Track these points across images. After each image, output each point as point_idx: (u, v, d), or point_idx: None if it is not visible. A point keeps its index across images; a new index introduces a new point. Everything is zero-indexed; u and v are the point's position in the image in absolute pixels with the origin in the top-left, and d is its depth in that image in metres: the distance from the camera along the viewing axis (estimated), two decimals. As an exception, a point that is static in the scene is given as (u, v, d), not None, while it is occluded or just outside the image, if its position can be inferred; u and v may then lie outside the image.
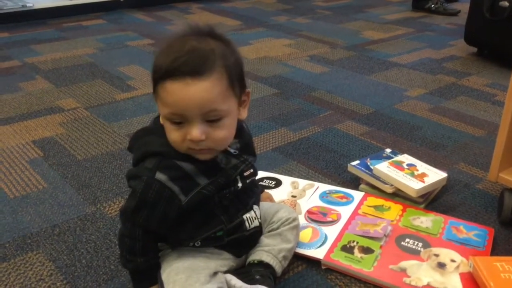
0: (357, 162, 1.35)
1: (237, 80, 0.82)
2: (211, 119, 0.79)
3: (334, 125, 1.69)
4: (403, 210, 1.20)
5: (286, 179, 1.34)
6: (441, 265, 1.02)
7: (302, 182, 1.33)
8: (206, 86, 0.77)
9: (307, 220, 1.17)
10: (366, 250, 1.06)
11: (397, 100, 1.90)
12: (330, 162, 1.45)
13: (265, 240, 1.00)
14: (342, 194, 1.27)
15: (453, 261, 1.03)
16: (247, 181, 0.94)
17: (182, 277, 0.86)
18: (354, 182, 1.34)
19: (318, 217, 1.18)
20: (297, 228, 1.04)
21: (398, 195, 1.25)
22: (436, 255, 1.05)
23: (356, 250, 1.06)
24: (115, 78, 2.13)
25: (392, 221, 1.16)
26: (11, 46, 2.59)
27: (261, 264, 0.96)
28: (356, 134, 1.63)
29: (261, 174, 1.33)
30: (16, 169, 1.42)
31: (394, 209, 1.20)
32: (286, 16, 3.30)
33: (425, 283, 0.97)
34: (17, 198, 1.28)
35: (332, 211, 1.20)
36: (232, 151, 0.90)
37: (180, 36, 0.81)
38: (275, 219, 1.02)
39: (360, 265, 1.02)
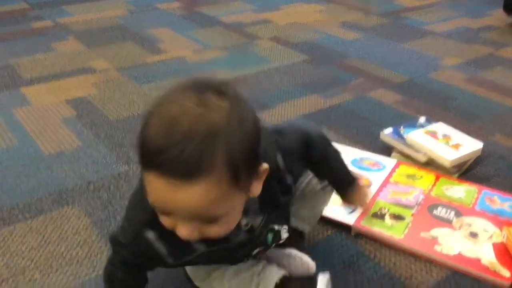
0: (390, 130, 1.33)
1: (246, 169, 0.59)
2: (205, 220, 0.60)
3: (366, 93, 1.67)
4: (436, 180, 1.18)
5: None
6: (474, 235, 1.01)
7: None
8: (198, 193, 0.55)
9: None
10: (397, 217, 1.06)
11: (432, 69, 1.85)
12: (361, 130, 1.44)
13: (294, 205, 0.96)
14: (374, 161, 1.26)
15: (485, 231, 1.02)
16: (253, 254, 0.80)
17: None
18: (385, 151, 1.32)
19: (349, 184, 1.17)
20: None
21: (431, 165, 1.23)
22: (469, 225, 1.04)
23: (387, 217, 1.06)
24: (146, 41, 2.12)
25: (424, 190, 1.15)
26: (42, 6, 2.60)
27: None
28: (389, 103, 1.60)
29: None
30: (51, 127, 1.44)
31: (427, 178, 1.19)
32: (318, -19, 3.21)
33: (456, 251, 0.97)
34: (52, 155, 1.31)
35: (364, 178, 1.19)
36: (243, 224, 0.71)
37: (179, 92, 0.59)
38: (304, 183, 0.95)
39: (391, 231, 1.02)
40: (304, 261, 0.89)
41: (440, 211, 1.08)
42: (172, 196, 0.55)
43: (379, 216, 1.06)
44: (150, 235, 0.68)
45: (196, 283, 0.86)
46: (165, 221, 0.61)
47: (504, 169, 1.25)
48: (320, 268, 0.90)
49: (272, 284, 0.81)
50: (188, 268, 0.87)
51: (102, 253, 0.98)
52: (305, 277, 0.87)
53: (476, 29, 2.31)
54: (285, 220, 0.79)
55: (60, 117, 1.50)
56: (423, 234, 1.01)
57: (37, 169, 1.25)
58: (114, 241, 0.74)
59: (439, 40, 2.16)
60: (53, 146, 1.35)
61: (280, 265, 0.87)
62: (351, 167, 1.22)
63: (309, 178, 0.93)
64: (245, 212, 0.66)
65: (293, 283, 0.83)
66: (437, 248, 0.98)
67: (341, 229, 1.04)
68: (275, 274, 0.83)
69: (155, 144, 0.54)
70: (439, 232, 1.02)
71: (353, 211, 1.07)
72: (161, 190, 0.56)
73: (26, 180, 1.21)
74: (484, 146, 1.29)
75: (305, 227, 0.96)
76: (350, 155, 1.29)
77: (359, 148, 1.34)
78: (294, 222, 0.95)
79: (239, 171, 0.57)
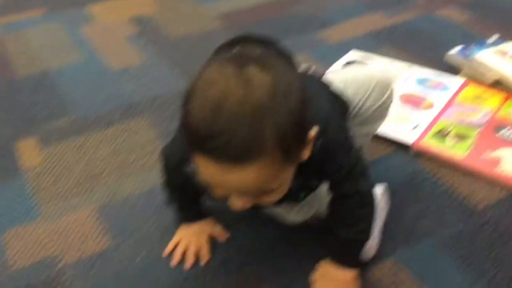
0: (458, 49, 1.27)
1: (296, 143, 0.57)
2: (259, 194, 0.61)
3: (434, 10, 1.58)
4: (505, 100, 1.14)
5: (380, 60, 1.30)
6: (541, 156, 0.98)
7: (398, 64, 1.28)
8: (251, 174, 0.54)
9: (399, 105, 1.14)
10: (461, 137, 1.04)
11: (508, -15, 1.71)
12: (427, 49, 1.38)
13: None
14: (440, 81, 1.22)
15: (555, 153, 0.99)
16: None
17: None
18: (452, 72, 1.27)
19: (413, 102, 1.15)
20: (387, 108, 0.90)
21: (500, 85, 1.18)
22: (537, 147, 1.01)
23: (449, 137, 1.04)
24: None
25: (492, 109, 1.11)
26: None
27: None
28: (458, 22, 1.51)
29: (353, 55, 1.31)
30: (116, 44, 1.49)
31: (495, 99, 1.15)
32: None
33: (520, 172, 0.95)
34: (118, 70, 1.36)
35: (428, 97, 1.17)
36: None
37: (219, 68, 0.55)
38: (363, 107, 0.87)
39: (452, 150, 1.01)
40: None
41: (506, 132, 1.05)
42: (225, 177, 0.55)
43: (441, 135, 1.05)
44: (190, 169, 0.69)
45: None
46: (217, 193, 0.61)
47: None
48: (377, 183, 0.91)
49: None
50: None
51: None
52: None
53: None
54: (318, 180, 0.76)
55: (125, 35, 1.53)
56: (486, 154, 1.00)
57: (105, 83, 1.31)
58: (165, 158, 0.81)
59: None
60: (119, 62, 1.40)
61: None
62: (415, 86, 1.20)
63: (366, 102, 0.86)
64: None
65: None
66: (499, 168, 0.96)
67: (401, 147, 1.04)
68: None
69: (203, 131, 0.53)
70: (503, 152, 1.00)
71: (413, 129, 1.06)
72: (212, 172, 0.56)
73: (96, 93, 1.27)
74: (560, 67, 1.21)
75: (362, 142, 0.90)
76: (416, 73, 1.25)
77: (425, 68, 1.29)
78: None
79: (290, 147, 0.55)
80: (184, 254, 0.85)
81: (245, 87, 0.52)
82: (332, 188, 0.74)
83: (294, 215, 0.84)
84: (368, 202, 0.74)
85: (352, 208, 0.73)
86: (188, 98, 0.55)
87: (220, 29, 1.53)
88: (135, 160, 1.06)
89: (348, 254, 0.78)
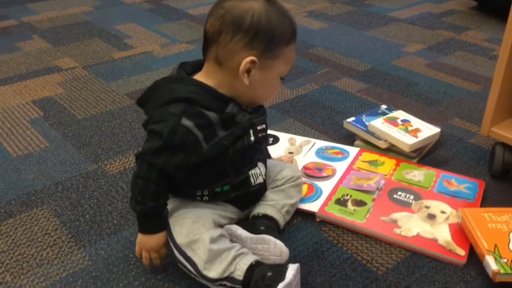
0: (353, 118, 1.37)
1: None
2: None
3: (331, 82, 1.70)
4: (397, 165, 1.23)
5: (283, 136, 1.37)
6: (431, 216, 1.06)
7: (299, 139, 1.35)
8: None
9: (303, 176, 1.20)
10: (359, 203, 1.10)
11: (395, 56, 1.90)
12: (326, 119, 1.47)
13: (269, 195, 1.04)
14: (337, 150, 1.30)
15: (443, 212, 1.07)
16: (259, 135, 0.97)
17: (189, 221, 0.90)
18: (349, 139, 1.37)
19: (314, 173, 1.21)
20: (300, 186, 1.08)
21: (392, 150, 1.28)
22: (427, 207, 1.09)
23: (349, 203, 1.10)
24: (112, 37, 2.12)
25: (385, 175, 1.19)
26: (7, 4, 2.56)
27: (265, 217, 1.00)
28: (353, 91, 1.64)
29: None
30: (18, 128, 1.44)
31: (388, 164, 1.24)
32: (285, -30, 3.23)
33: (414, 233, 1.02)
34: (20, 157, 1.31)
35: (328, 167, 1.23)
36: (248, 109, 0.93)
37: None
38: (279, 177, 1.06)
39: (353, 217, 1.06)
40: (277, 245, 0.92)
41: (400, 195, 1.13)
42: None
43: (342, 202, 1.10)
44: (188, 123, 0.84)
45: (178, 240, 0.88)
46: (278, 84, 0.94)
47: (462, 152, 1.31)
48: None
49: (248, 263, 0.85)
50: (174, 225, 0.91)
51: (72, 253, 1.00)
52: (276, 265, 0.91)
53: (439, 14, 2.37)
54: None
55: (28, 118, 1.49)
56: (383, 218, 1.06)
57: (5, 171, 1.25)
58: (150, 152, 0.85)
59: (402, 26, 2.21)
60: (20, 147, 1.35)
61: (255, 250, 0.92)
62: (315, 157, 1.27)
63: (286, 175, 1.06)
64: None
65: (264, 268, 0.86)
66: (397, 230, 1.02)
67: (306, 217, 1.08)
68: (250, 256, 0.88)
69: (289, 23, 0.88)
70: (398, 215, 1.06)
71: (316, 199, 1.11)
72: (294, 54, 0.92)
73: (-6, 183, 1.21)
74: (443, 130, 1.34)
75: (280, 217, 1.02)
76: (315, 145, 1.32)
77: (324, 137, 1.38)
78: (271, 212, 1.01)
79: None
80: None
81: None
82: None
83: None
84: None
85: None
86: (265, 18, 0.85)
87: (128, 107, 1.54)
88: (34, 253, 1.00)
89: None
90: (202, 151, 0.87)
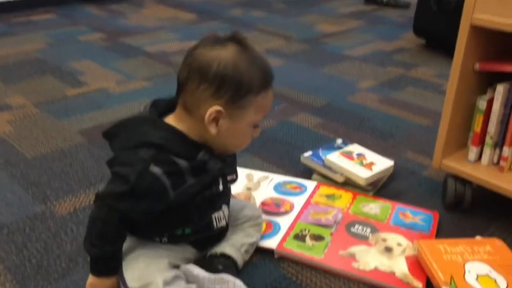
0: (310, 153, 1.38)
1: None
2: None
3: (288, 117, 1.72)
4: (353, 198, 1.24)
5: (241, 172, 1.35)
6: (388, 249, 1.06)
7: (257, 174, 1.35)
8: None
9: (262, 211, 1.18)
10: (317, 238, 1.09)
11: (349, 92, 1.95)
12: (284, 154, 1.48)
13: (228, 234, 1.02)
14: (295, 185, 1.30)
15: (399, 245, 1.07)
16: (228, 185, 0.95)
17: (142, 265, 0.87)
18: (307, 173, 1.37)
19: (272, 208, 1.20)
20: (260, 225, 1.07)
21: (348, 184, 1.29)
22: (384, 240, 1.09)
23: (307, 238, 1.09)
24: (66, 74, 2.08)
25: (342, 208, 1.19)
26: (-46, 41, 2.48)
27: (224, 256, 0.98)
28: (310, 126, 1.66)
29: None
30: (-39, 169, 1.37)
31: (345, 197, 1.24)
32: (242, 9, 3.31)
33: (372, 267, 1.01)
34: (-38, 199, 1.24)
35: (286, 202, 1.22)
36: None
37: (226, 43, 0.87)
38: (240, 216, 1.05)
39: (311, 252, 1.05)
40: (237, 285, 0.90)
41: (357, 228, 1.13)
42: (271, 100, 0.90)
43: (300, 237, 1.09)
44: (156, 170, 0.81)
45: (130, 284, 0.85)
46: (249, 137, 0.92)
47: (415, 184, 1.33)
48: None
49: None
50: (126, 269, 0.87)
51: (16, 300, 0.94)
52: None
53: (389, 51, 2.46)
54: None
55: (-28, 158, 1.42)
56: (341, 253, 1.05)
57: None
58: (113, 195, 0.82)
59: (355, 63, 2.28)
60: (-37, 189, 1.28)
61: None
62: (273, 193, 1.26)
63: (246, 214, 1.05)
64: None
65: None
66: (355, 265, 1.02)
67: (265, 254, 1.06)
68: None
69: (264, 70, 0.87)
70: (356, 249, 1.06)
71: (275, 235, 1.09)
72: (271, 99, 0.90)
73: None
74: (396, 163, 1.37)
75: (239, 256, 1.00)
76: (273, 180, 1.32)
77: (282, 172, 1.38)
78: (230, 251, 0.99)
79: None
80: None
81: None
82: None
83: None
84: None
85: None
86: (235, 68, 0.83)
87: (81, 145, 1.49)
88: (-26, 303, 0.93)
89: None
90: (168, 199, 0.84)
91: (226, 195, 1.00)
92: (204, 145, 0.88)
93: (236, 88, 0.83)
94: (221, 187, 0.93)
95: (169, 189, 0.83)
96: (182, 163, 0.84)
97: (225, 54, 0.83)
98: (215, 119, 0.84)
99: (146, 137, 0.84)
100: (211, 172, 0.88)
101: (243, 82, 0.83)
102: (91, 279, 0.88)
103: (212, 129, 0.85)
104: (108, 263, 0.87)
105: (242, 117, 0.86)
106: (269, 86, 0.87)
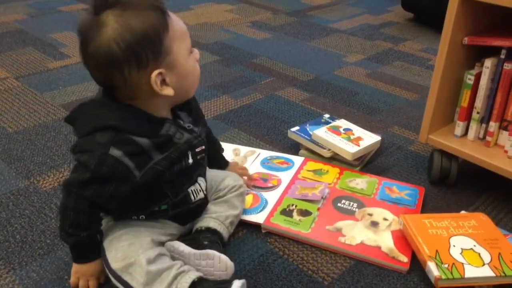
0: (297, 128, 1.37)
1: None
2: None
3: (275, 91, 1.70)
4: (340, 173, 1.24)
5: (228, 146, 1.34)
6: (374, 224, 1.07)
7: (244, 149, 1.34)
8: None
9: (248, 187, 1.18)
10: (304, 213, 1.09)
11: (337, 66, 1.93)
12: (271, 129, 1.47)
13: (212, 207, 1.01)
14: (282, 160, 1.30)
15: (385, 219, 1.08)
16: (198, 157, 0.92)
17: (125, 244, 0.86)
18: (294, 148, 1.36)
19: (259, 183, 1.19)
20: (243, 195, 1.06)
21: (335, 159, 1.28)
22: (370, 215, 1.09)
23: (295, 213, 1.09)
24: (47, 46, 2.02)
25: (329, 184, 1.20)
26: None
27: (209, 230, 0.97)
28: (297, 100, 1.65)
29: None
30: None
31: (332, 173, 1.24)
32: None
33: (358, 241, 1.02)
34: None
35: (273, 177, 1.22)
36: (186, 125, 0.90)
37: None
38: (221, 187, 1.04)
39: (298, 227, 1.05)
40: (222, 259, 0.89)
41: (344, 203, 1.13)
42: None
43: (287, 212, 1.09)
44: (116, 152, 0.79)
45: (113, 265, 0.84)
46: (194, 59, 0.87)
47: (402, 159, 1.33)
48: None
49: (189, 281, 0.82)
50: (109, 251, 0.86)
51: (1, 277, 0.92)
52: (221, 281, 0.88)
53: (377, 25, 2.44)
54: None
55: (-49, 132, 1.39)
56: (328, 227, 1.06)
57: None
58: (77, 184, 0.81)
59: (343, 37, 2.26)
60: None
61: (199, 266, 0.89)
62: (260, 168, 1.26)
63: (228, 184, 1.04)
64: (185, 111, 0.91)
65: (208, 284, 0.83)
66: (341, 239, 1.02)
67: (252, 229, 1.06)
68: (192, 272, 0.85)
69: (158, 9, 0.79)
70: (342, 224, 1.07)
71: (262, 210, 1.09)
72: (179, 23, 0.84)
73: None
74: (383, 138, 1.37)
75: (224, 229, 0.99)
76: (260, 155, 1.31)
77: (269, 147, 1.37)
78: (215, 224, 0.98)
79: None
80: None
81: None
82: None
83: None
84: None
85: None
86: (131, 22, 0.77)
87: (64, 119, 1.46)
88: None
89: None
90: (135, 180, 0.83)
91: (200, 167, 0.97)
92: (166, 118, 0.86)
93: (149, 45, 0.78)
94: (190, 160, 0.90)
95: (133, 169, 0.82)
96: (143, 141, 0.82)
97: (111, 28, 0.76)
98: (163, 82, 0.81)
99: (100, 120, 0.81)
100: (178, 145, 0.87)
101: (149, 35, 0.77)
102: (75, 267, 0.88)
103: (168, 91, 0.82)
104: (88, 249, 0.87)
105: (176, 58, 0.82)
106: (166, 13, 0.80)
